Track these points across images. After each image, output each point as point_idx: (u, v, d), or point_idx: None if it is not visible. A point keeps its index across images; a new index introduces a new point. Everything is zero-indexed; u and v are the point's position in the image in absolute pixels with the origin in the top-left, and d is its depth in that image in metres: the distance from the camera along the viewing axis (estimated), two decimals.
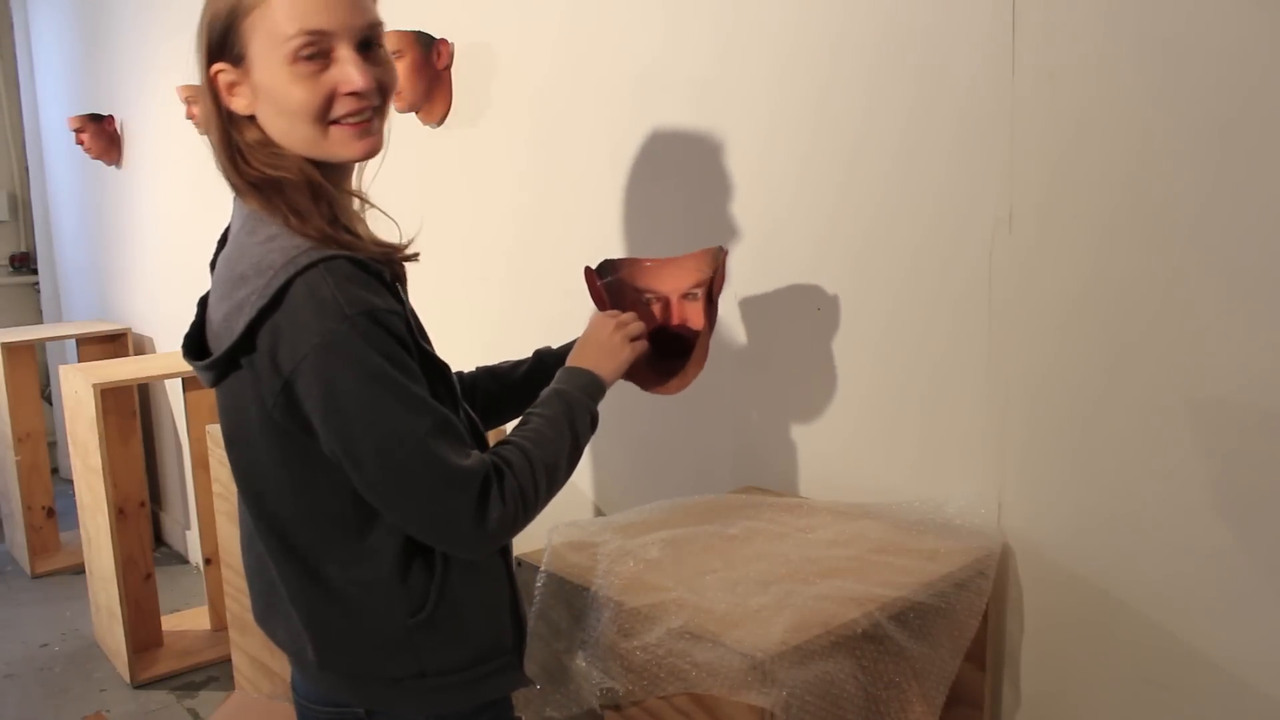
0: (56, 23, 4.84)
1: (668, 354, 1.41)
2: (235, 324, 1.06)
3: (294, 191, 1.08)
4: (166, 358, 3.53)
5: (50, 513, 4.16)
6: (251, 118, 1.11)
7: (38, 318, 5.47)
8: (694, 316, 1.40)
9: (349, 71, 1.07)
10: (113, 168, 4.36)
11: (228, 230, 1.20)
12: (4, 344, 3.99)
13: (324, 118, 1.09)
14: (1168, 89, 1.24)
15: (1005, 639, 1.49)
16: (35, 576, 4.03)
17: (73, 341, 4.40)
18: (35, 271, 5.48)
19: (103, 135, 4.19)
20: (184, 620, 3.50)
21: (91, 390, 2.99)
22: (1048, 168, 1.37)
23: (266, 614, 1.26)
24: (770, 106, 1.71)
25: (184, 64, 3.81)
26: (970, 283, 1.47)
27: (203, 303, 1.18)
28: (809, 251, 1.69)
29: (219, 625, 3.31)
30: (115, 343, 4.25)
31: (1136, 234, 1.29)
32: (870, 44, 1.55)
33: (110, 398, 3.20)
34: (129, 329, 4.27)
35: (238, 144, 1.11)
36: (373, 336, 1.03)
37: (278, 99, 1.08)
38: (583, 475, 1.69)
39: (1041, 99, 1.36)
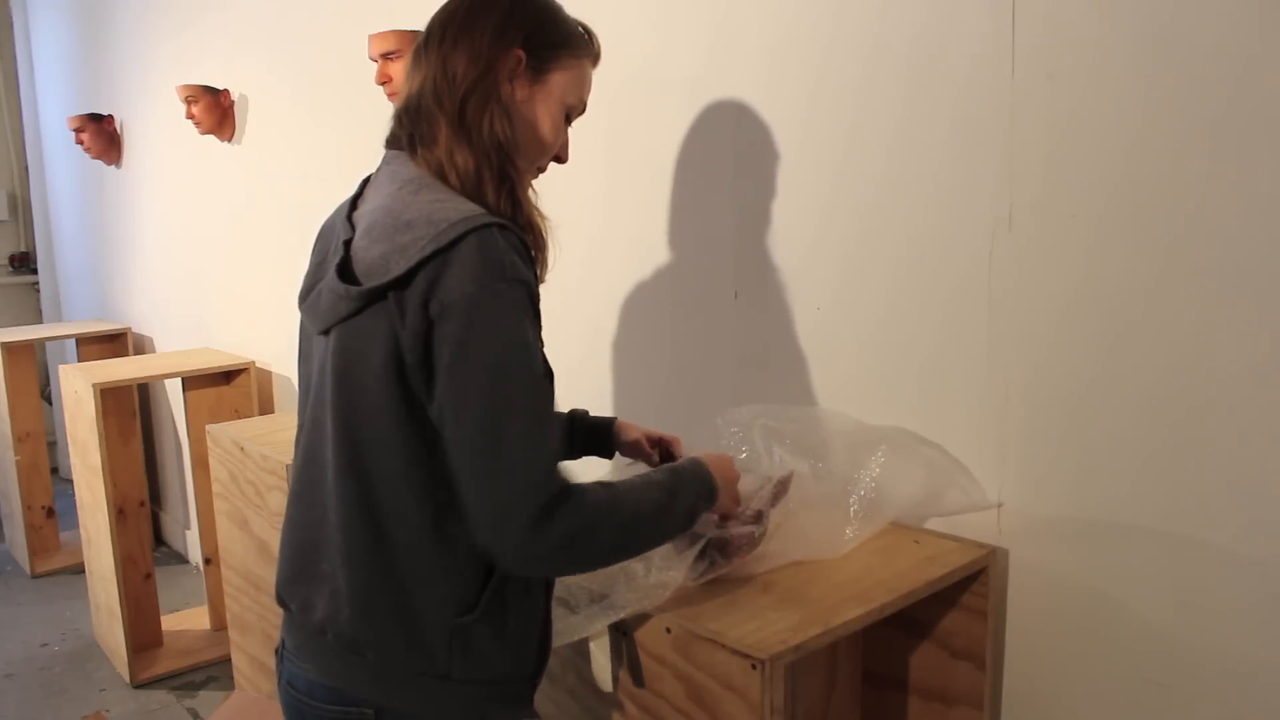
0: (56, 23, 4.84)
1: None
2: (395, 263, 1.09)
3: (508, 171, 1.18)
4: (166, 357, 3.53)
5: (50, 512, 4.17)
6: (500, 105, 1.19)
7: (38, 317, 5.47)
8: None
9: (568, 143, 1.29)
10: (113, 168, 4.36)
11: (361, 191, 1.26)
12: (4, 344, 3.99)
13: (543, 161, 1.27)
14: (1166, 89, 1.25)
15: (1005, 639, 1.49)
16: (35, 576, 4.03)
17: (72, 341, 4.40)
18: (35, 271, 5.48)
19: (102, 135, 4.19)
20: (184, 620, 3.50)
21: (91, 390, 2.99)
22: (1047, 167, 1.37)
23: (300, 575, 1.23)
24: (765, 106, 1.71)
25: (184, 64, 3.82)
26: (970, 282, 1.47)
27: (346, 243, 1.19)
28: (808, 251, 1.69)
29: (219, 625, 3.31)
30: (115, 342, 4.26)
31: (1137, 234, 1.29)
32: (868, 44, 1.55)
33: (110, 397, 3.20)
34: (129, 329, 4.27)
35: (472, 114, 1.17)
36: (522, 306, 1.09)
37: (541, 125, 1.23)
38: (584, 476, 1.69)
39: (1041, 99, 1.36)
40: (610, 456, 1.49)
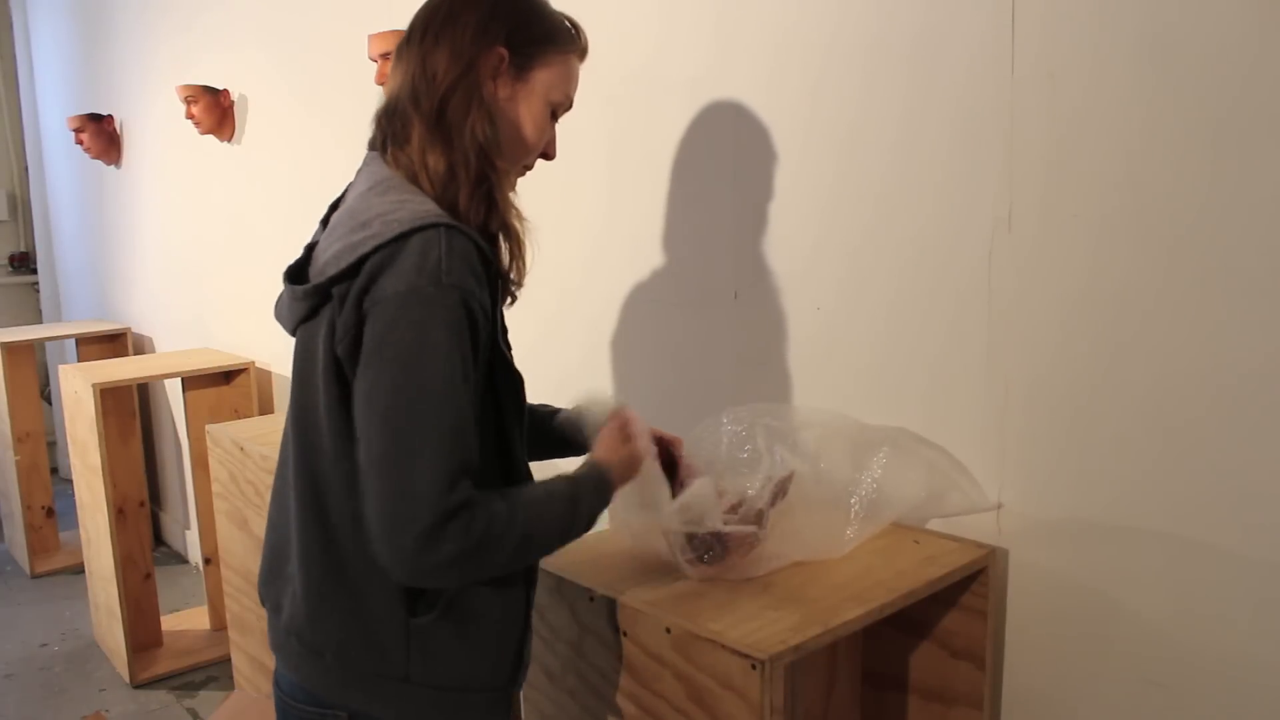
0: (56, 23, 4.84)
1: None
2: (345, 259, 1.08)
3: (487, 173, 1.16)
4: (166, 357, 3.53)
5: (50, 512, 4.16)
6: (482, 105, 1.16)
7: (37, 317, 5.47)
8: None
9: (555, 140, 1.26)
10: (112, 167, 4.36)
11: (344, 194, 1.25)
12: (4, 344, 3.99)
13: (528, 159, 1.25)
14: (1167, 88, 1.25)
15: (1004, 639, 1.49)
16: (35, 576, 4.03)
17: (72, 341, 4.40)
18: (35, 271, 5.48)
19: (102, 135, 4.19)
20: (183, 620, 3.50)
21: (91, 390, 2.98)
22: (1047, 167, 1.37)
23: (272, 576, 1.24)
24: (766, 106, 1.71)
25: (184, 64, 3.82)
26: (970, 283, 1.47)
27: (310, 247, 1.19)
28: (808, 251, 1.69)
29: (218, 625, 3.31)
30: (115, 342, 4.26)
31: (1139, 234, 1.29)
32: (868, 44, 1.55)
33: (110, 397, 3.20)
34: (129, 329, 4.27)
35: (453, 114, 1.15)
36: (452, 312, 1.05)
37: (524, 124, 1.20)
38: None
39: (1041, 99, 1.36)
40: None
